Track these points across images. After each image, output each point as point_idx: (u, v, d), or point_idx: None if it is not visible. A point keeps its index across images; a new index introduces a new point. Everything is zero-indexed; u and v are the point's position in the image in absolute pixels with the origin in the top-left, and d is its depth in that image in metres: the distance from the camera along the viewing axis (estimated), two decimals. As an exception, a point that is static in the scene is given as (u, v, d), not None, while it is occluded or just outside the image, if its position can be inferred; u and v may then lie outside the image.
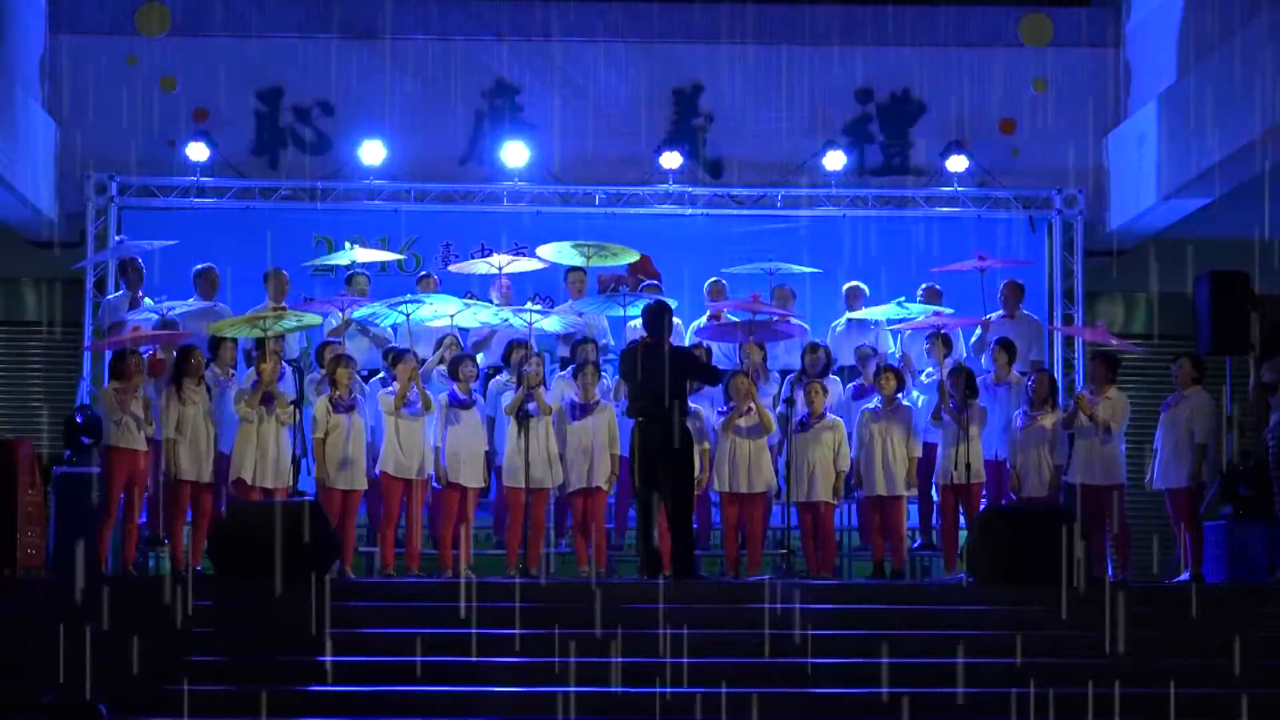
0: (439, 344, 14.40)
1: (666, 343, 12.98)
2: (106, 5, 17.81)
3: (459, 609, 10.98)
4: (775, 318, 14.68)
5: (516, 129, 17.44)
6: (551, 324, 14.53)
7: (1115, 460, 13.82)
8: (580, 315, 15.02)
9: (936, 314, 14.58)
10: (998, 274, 15.55)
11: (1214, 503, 14.24)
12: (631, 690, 9.96)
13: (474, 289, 15.92)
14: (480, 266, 15.21)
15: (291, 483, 13.40)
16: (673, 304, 13.70)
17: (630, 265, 15.94)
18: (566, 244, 14.94)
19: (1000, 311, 15.30)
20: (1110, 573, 13.69)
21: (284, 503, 12.69)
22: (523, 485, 13.47)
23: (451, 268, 15.90)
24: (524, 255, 15.36)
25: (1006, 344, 14.51)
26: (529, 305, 14.31)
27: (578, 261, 15.02)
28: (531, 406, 13.48)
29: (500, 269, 14.95)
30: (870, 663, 10.42)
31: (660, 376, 12.65)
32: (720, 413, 13.83)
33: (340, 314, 14.51)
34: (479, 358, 14.35)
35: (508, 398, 13.75)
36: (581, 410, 13.70)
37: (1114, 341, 14.67)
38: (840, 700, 10.03)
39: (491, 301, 15.05)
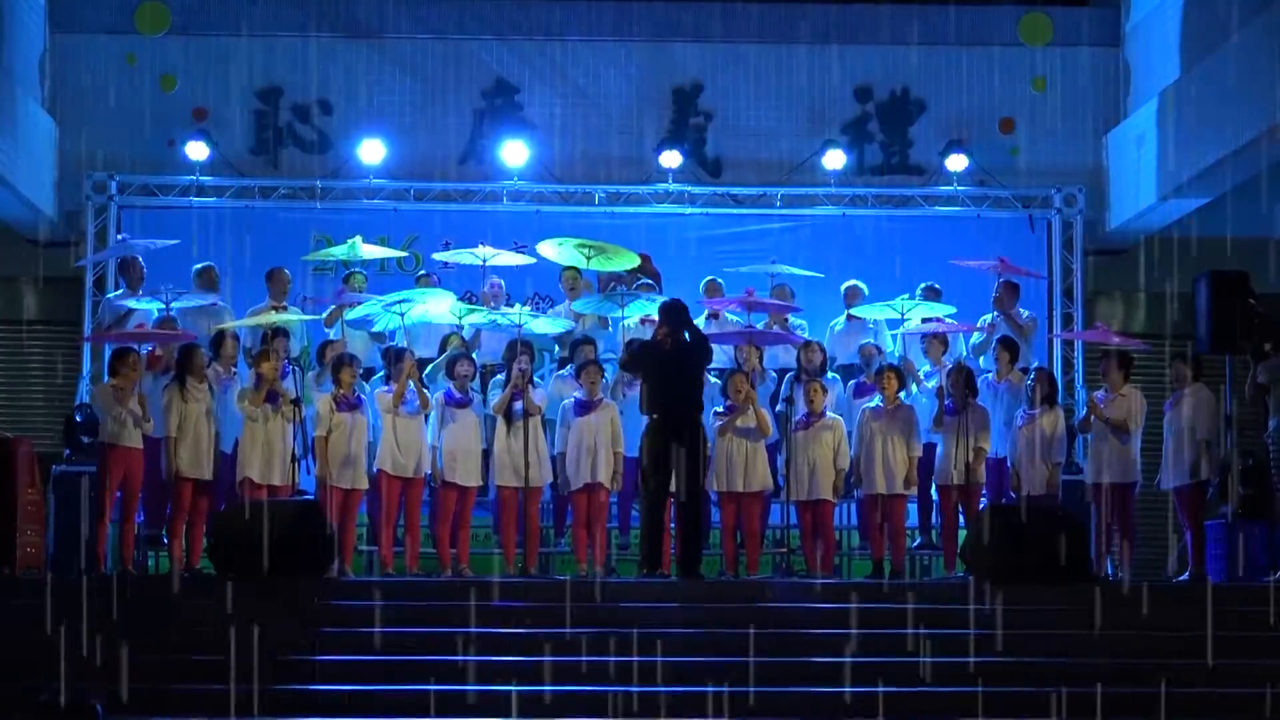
0: (444, 342, 14.38)
1: (685, 338, 12.97)
2: (106, 5, 17.81)
3: (458, 608, 10.98)
4: (776, 327, 14.70)
5: (516, 129, 17.44)
6: (540, 325, 14.50)
7: (1131, 459, 13.77)
8: (578, 315, 15.01)
9: (933, 320, 14.58)
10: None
11: (1214, 501, 14.22)
12: (631, 689, 9.96)
13: (473, 289, 15.90)
14: (465, 257, 15.19)
15: (294, 481, 13.39)
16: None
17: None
18: (569, 241, 14.91)
19: (995, 312, 15.27)
20: (1110, 572, 13.69)
21: (283, 502, 12.68)
22: (510, 483, 13.50)
23: (436, 255, 15.84)
24: (523, 253, 15.35)
25: (1008, 342, 14.49)
26: (517, 307, 14.27)
27: (578, 262, 15.01)
28: (518, 406, 13.48)
29: (485, 261, 14.92)
30: (870, 662, 10.42)
31: (683, 372, 12.69)
32: (718, 413, 13.82)
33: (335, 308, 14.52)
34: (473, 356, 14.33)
35: (494, 395, 13.77)
36: (585, 408, 13.69)
37: (1117, 340, 14.65)
38: (840, 700, 10.02)
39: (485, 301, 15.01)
